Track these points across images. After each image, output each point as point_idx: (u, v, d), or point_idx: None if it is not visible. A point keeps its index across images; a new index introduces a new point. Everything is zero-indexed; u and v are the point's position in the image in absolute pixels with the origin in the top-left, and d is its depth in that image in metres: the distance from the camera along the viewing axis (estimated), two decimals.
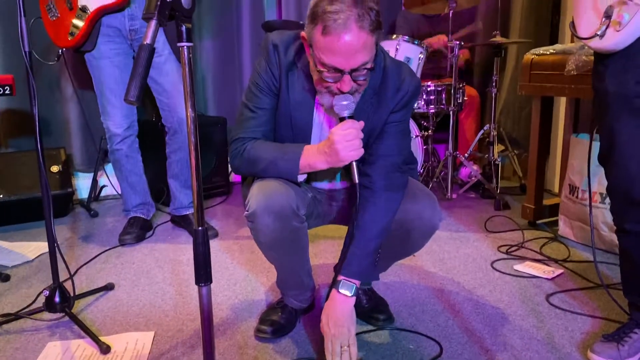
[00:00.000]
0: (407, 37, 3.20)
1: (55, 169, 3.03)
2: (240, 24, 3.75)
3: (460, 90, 3.29)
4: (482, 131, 3.51)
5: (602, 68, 1.46)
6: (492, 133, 3.43)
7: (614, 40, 1.39)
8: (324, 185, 1.71)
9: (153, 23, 0.90)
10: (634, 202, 1.46)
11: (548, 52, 2.58)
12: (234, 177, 3.82)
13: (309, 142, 1.57)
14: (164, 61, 2.48)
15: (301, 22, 3.18)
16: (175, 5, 0.93)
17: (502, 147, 3.68)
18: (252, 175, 1.61)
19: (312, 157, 1.46)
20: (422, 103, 3.26)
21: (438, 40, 3.50)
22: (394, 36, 3.22)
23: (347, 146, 1.37)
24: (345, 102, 1.37)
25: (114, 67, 2.49)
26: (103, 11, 2.37)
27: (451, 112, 3.25)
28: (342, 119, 1.40)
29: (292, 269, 1.68)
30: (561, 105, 3.35)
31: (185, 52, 0.97)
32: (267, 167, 1.51)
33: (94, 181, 3.35)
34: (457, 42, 3.16)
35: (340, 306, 1.51)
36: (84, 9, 2.36)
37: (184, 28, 0.96)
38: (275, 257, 1.62)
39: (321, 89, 1.40)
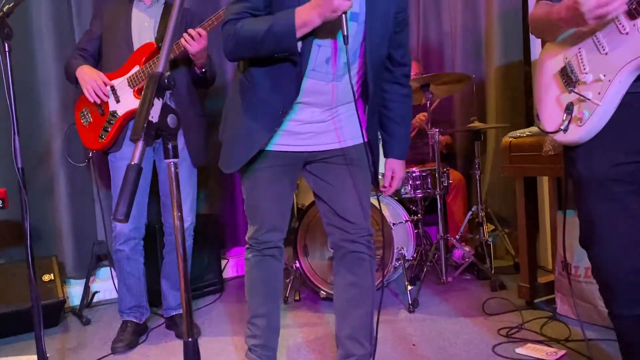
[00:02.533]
0: None
1: (46, 277, 3.00)
2: None
3: (445, 174, 3.38)
4: (470, 212, 3.55)
5: (571, 153, 1.53)
6: (480, 214, 3.48)
7: (578, 134, 1.47)
8: (326, 43, 1.65)
9: (140, 144, 0.95)
10: (617, 285, 1.46)
11: (525, 135, 2.68)
12: (227, 272, 3.79)
13: None
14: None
15: None
16: (161, 125, 0.99)
17: (492, 227, 3.72)
18: (250, 54, 1.64)
19: (305, 13, 1.50)
20: (409, 188, 3.33)
21: (417, 120, 3.63)
22: None
23: None
24: None
25: None
26: (131, 115, 2.54)
27: (438, 196, 3.31)
28: None
29: None
30: (545, 182, 3.43)
31: (172, 168, 1.01)
32: (263, 38, 1.54)
33: (86, 288, 3.31)
34: (437, 130, 3.28)
35: None
36: (113, 114, 2.55)
37: (170, 146, 1.01)
38: None
39: None
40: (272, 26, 1.54)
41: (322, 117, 1.79)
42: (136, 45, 2.55)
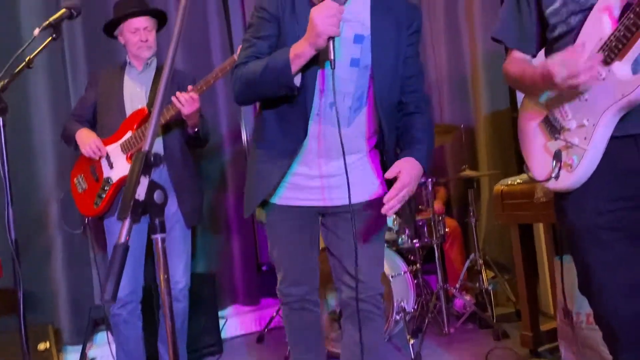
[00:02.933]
0: None
1: (42, 346, 2.96)
2: (225, 179, 3.89)
3: (441, 223, 3.38)
4: (468, 260, 3.54)
5: (562, 203, 1.54)
6: (478, 261, 3.47)
7: (570, 181, 1.48)
8: (314, 72, 1.65)
9: (127, 222, 0.96)
10: (621, 332, 1.45)
11: (516, 182, 2.71)
12: (226, 332, 3.73)
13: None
14: (169, 228, 2.58)
15: None
16: (148, 202, 1.01)
17: (492, 274, 3.70)
18: (255, 95, 1.68)
19: (298, 45, 1.53)
20: (406, 238, 3.32)
21: None
22: None
23: (324, 19, 1.44)
24: None
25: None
26: (125, 181, 2.53)
27: (435, 245, 3.31)
28: None
29: None
30: (540, 227, 3.43)
31: (160, 244, 1.02)
32: (262, 75, 1.58)
33: (83, 354, 3.25)
34: (430, 179, 3.31)
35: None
36: (108, 180, 2.58)
37: (157, 221, 1.03)
38: None
39: None
40: (269, 62, 1.59)
41: (332, 171, 1.76)
42: (128, 111, 2.61)
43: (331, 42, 1.50)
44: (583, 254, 1.51)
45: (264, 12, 1.67)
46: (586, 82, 1.38)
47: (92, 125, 2.72)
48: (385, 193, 1.64)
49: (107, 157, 2.60)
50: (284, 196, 1.79)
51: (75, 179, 2.72)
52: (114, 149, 2.59)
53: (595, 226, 1.46)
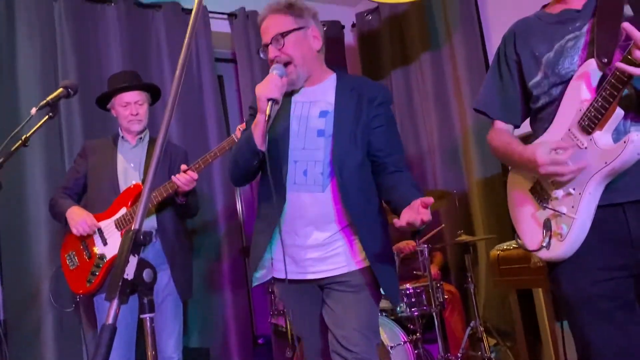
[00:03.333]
0: None
1: None
2: (220, 247, 3.84)
3: (439, 289, 3.33)
4: (469, 328, 3.46)
5: (556, 274, 1.53)
6: (479, 328, 3.39)
7: (561, 249, 1.48)
8: (302, 157, 1.82)
9: (115, 303, 0.95)
10: None
11: (512, 247, 2.70)
12: None
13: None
14: (160, 301, 2.56)
15: None
16: (137, 281, 1.00)
17: (494, 341, 3.60)
18: (238, 169, 1.86)
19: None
20: (405, 307, 3.26)
21: (407, 245, 3.65)
22: None
23: (262, 85, 1.70)
24: (275, 66, 1.78)
25: (121, 309, 2.51)
26: None
27: (434, 313, 3.24)
28: None
29: None
30: (540, 292, 3.38)
31: (148, 324, 1.01)
32: (238, 146, 1.86)
33: None
34: (427, 245, 3.29)
35: None
36: (101, 257, 2.54)
37: (146, 301, 1.01)
38: None
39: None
40: (241, 136, 1.87)
41: (320, 241, 1.82)
42: (122, 186, 2.60)
43: (270, 102, 1.70)
44: (580, 324, 1.49)
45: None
46: (562, 179, 1.48)
47: (80, 197, 2.71)
48: (364, 267, 1.81)
49: (101, 233, 2.58)
50: (286, 270, 1.81)
51: (66, 255, 2.67)
52: (108, 225, 2.57)
53: (590, 296, 1.45)
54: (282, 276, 1.81)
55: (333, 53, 4.60)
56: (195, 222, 3.71)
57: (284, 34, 1.80)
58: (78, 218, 2.54)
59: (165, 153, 2.70)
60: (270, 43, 1.82)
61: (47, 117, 1.98)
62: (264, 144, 1.74)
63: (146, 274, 1.01)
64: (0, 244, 1.86)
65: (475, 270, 3.74)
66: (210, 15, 4.02)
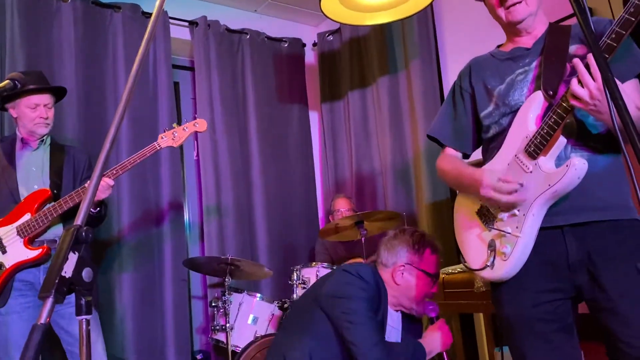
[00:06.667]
0: (325, 263, 3.34)
1: None
2: (162, 261, 3.72)
3: None
4: None
5: (498, 295, 1.57)
6: None
7: (505, 269, 1.52)
8: None
9: (49, 301, 0.89)
10: None
11: (456, 271, 2.74)
12: None
13: None
14: (71, 312, 2.40)
15: (223, 257, 3.24)
16: (75, 280, 0.94)
17: None
18: None
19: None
20: None
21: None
22: (313, 264, 3.34)
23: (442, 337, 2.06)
24: (431, 306, 2.16)
25: (23, 321, 2.37)
26: (20, 267, 2.36)
27: None
28: (431, 320, 2.18)
29: None
30: (481, 318, 3.44)
31: (84, 326, 0.95)
32: None
33: None
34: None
35: None
36: (0, 266, 2.36)
37: (83, 301, 0.96)
38: None
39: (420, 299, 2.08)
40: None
41: None
42: (22, 192, 2.46)
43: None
44: (520, 345, 1.52)
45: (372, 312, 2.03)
46: (501, 203, 1.56)
47: None
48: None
49: None
50: None
51: None
52: (8, 232, 2.39)
53: (530, 318, 1.49)
54: None
55: (293, 71, 4.63)
56: (138, 231, 3.60)
57: None
58: None
59: (69, 156, 2.61)
60: None
61: None
62: None
63: (86, 273, 0.96)
64: None
65: None
66: (171, 21, 3.97)
